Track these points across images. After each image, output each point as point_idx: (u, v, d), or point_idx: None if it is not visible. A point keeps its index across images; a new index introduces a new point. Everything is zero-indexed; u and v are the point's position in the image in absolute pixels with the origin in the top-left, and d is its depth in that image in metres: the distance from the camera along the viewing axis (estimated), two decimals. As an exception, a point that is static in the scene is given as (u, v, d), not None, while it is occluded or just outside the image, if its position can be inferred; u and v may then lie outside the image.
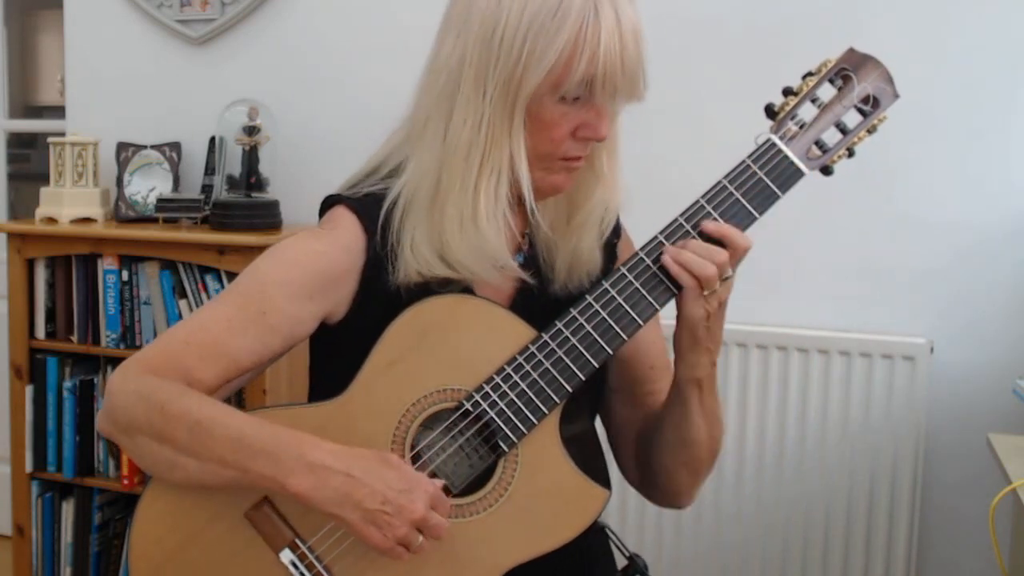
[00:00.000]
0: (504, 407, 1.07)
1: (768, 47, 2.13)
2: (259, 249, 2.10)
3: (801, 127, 1.12)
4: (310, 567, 1.05)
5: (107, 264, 2.38)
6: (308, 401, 1.16)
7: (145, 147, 2.57)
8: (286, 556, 1.05)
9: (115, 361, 2.38)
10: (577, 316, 1.08)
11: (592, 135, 1.09)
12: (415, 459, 1.08)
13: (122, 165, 2.56)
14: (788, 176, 1.10)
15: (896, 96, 1.13)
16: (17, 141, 3.39)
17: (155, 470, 1.06)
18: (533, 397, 1.07)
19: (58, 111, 2.95)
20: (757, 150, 1.11)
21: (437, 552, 1.03)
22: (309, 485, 0.99)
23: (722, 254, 1.07)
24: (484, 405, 1.07)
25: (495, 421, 1.07)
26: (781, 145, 1.11)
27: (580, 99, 1.07)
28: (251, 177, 2.41)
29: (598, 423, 1.30)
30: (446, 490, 1.08)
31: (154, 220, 2.48)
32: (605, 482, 1.13)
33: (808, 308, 2.18)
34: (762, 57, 2.12)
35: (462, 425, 1.08)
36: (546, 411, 1.07)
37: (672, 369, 1.18)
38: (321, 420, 1.08)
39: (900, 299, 2.13)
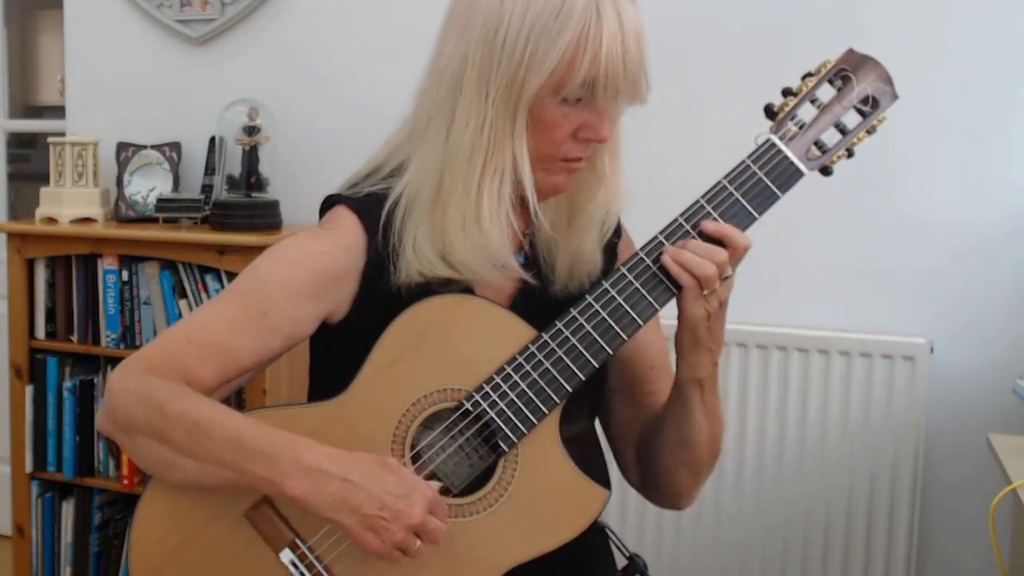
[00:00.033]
0: (504, 407, 1.07)
1: (768, 47, 2.13)
2: (259, 249, 2.10)
3: (801, 127, 1.12)
4: (310, 567, 1.05)
5: (107, 264, 2.38)
6: (308, 401, 1.16)
7: (145, 147, 2.57)
8: (286, 556, 1.05)
9: (115, 361, 2.38)
10: (577, 316, 1.08)
11: (593, 136, 1.09)
12: (415, 459, 1.08)
13: (122, 165, 2.56)
14: (788, 176, 1.11)
15: (895, 97, 1.14)
16: (17, 141, 3.39)
17: (154, 470, 1.06)
18: (533, 397, 1.07)
19: (58, 111, 2.95)
20: (757, 150, 1.11)
21: (437, 552, 1.03)
22: (306, 489, 0.99)
23: (722, 254, 1.07)
24: (484, 405, 1.07)
25: (495, 421, 1.07)
26: (781, 145, 1.11)
27: (582, 100, 1.07)
28: (251, 177, 2.41)
29: (598, 425, 1.30)
30: (446, 490, 1.09)
31: (154, 220, 2.48)
32: (605, 482, 1.13)
33: (808, 308, 2.18)
34: (762, 57, 2.12)
35: (462, 425, 1.08)
36: (546, 411, 1.07)
37: (673, 369, 1.18)
38: (321, 420, 1.08)
39: (900, 299, 2.13)
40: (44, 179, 2.55)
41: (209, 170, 2.54)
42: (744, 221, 1.10)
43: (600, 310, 1.08)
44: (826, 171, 1.13)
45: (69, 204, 2.48)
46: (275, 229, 2.36)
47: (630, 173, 1.20)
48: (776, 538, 2.16)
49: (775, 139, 1.11)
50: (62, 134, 2.65)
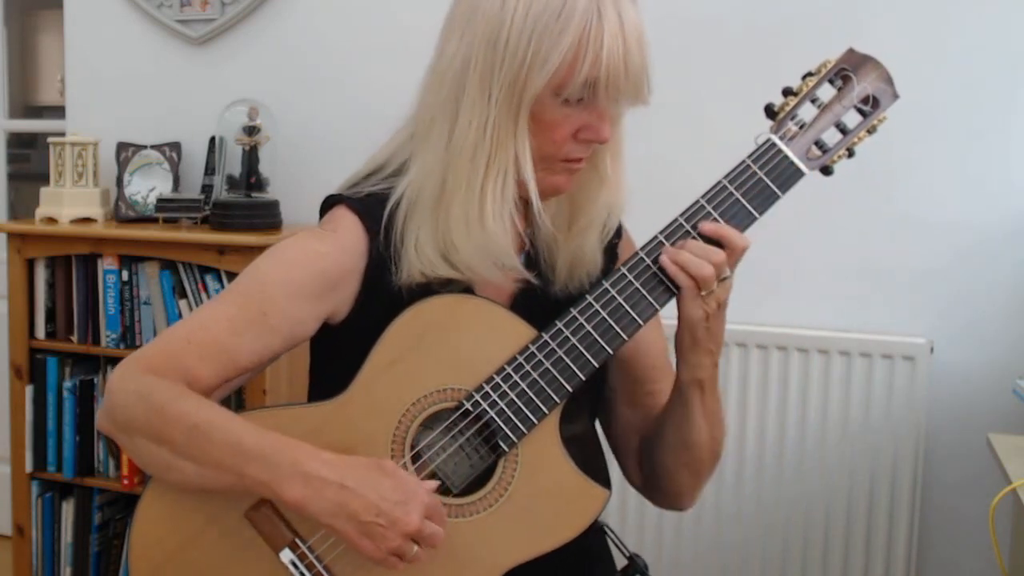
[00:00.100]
0: (504, 407, 1.07)
1: (768, 47, 2.13)
2: (259, 249, 2.10)
3: (801, 127, 1.12)
4: (310, 567, 1.05)
5: (107, 264, 2.38)
6: (308, 401, 1.16)
7: (145, 147, 2.57)
8: (286, 556, 1.05)
9: (115, 361, 2.37)
10: (577, 316, 1.08)
11: (594, 137, 1.09)
12: (415, 459, 1.08)
13: (122, 165, 2.56)
14: (788, 176, 1.11)
15: (896, 96, 1.13)
16: (17, 141, 3.39)
17: (153, 470, 1.06)
18: (533, 397, 1.07)
19: (58, 111, 2.95)
20: (757, 150, 1.11)
21: (437, 552, 1.03)
22: (303, 494, 0.99)
23: (719, 254, 1.07)
24: (484, 405, 1.07)
25: (495, 421, 1.07)
26: (781, 145, 1.11)
27: (583, 101, 1.07)
28: (251, 177, 2.40)
29: (599, 427, 1.30)
30: (446, 490, 1.08)
31: (154, 220, 2.47)
32: (605, 482, 1.13)
33: (808, 308, 2.18)
34: (762, 57, 2.12)
35: (462, 425, 1.08)
36: (546, 411, 1.07)
37: (673, 370, 1.18)
38: (321, 419, 1.08)
39: (900, 299, 2.13)
40: (44, 179, 2.55)
41: (209, 170, 2.54)
42: (744, 221, 1.10)
43: (600, 310, 1.08)
44: (827, 171, 1.13)
45: (69, 204, 2.48)
46: (275, 229, 2.36)
47: (630, 173, 1.20)
48: (776, 538, 2.16)
49: (775, 139, 1.11)
50: (62, 134, 2.65)
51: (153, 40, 2.68)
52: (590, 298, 1.08)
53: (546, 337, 1.08)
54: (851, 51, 1.14)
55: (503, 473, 1.08)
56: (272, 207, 2.39)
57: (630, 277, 1.09)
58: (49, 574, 2.47)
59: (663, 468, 1.22)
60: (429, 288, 1.12)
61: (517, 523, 1.07)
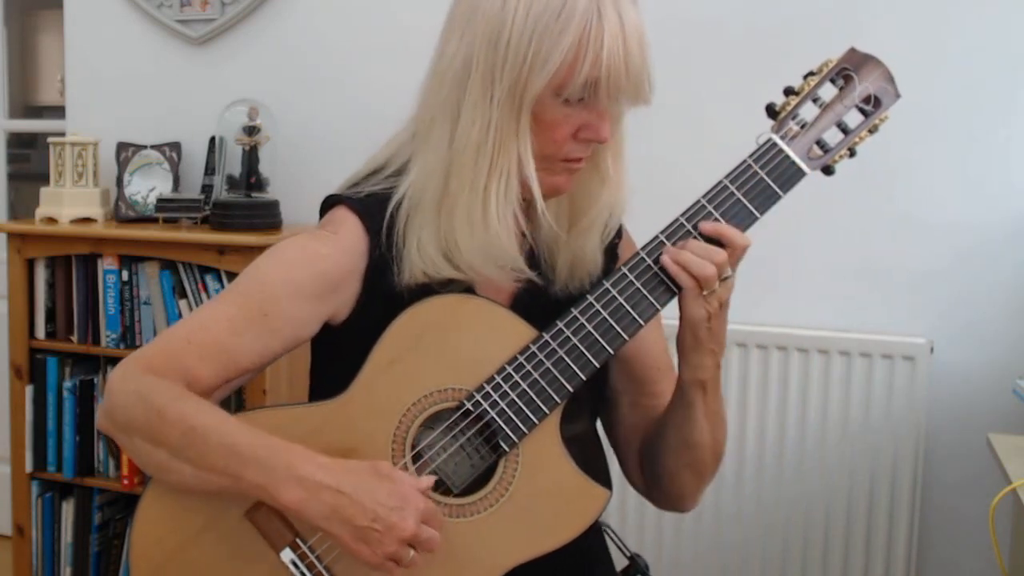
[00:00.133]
0: (505, 407, 1.07)
1: (769, 48, 2.13)
2: (259, 249, 2.10)
3: (802, 127, 1.12)
4: (311, 567, 1.05)
5: (107, 264, 2.38)
6: (308, 401, 1.15)
7: (145, 147, 2.57)
8: (287, 556, 1.05)
9: (115, 361, 2.37)
10: (578, 316, 1.08)
11: (594, 137, 1.09)
12: (416, 459, 1.08)
13: (122, 165, 2.56)
14: (789, 176, 1.10)
15: (898, 96, 1.13)
16: (17, 141, 3.39)
17: (151, 471, 1.06)
18: (534, 397, 1.07)
19: (58, 111, 2.95)
20: (758, 150, 1.11)
21: (438, 552, 1.03)
22: (299, 498, 0.99)
23: (720, 254, 1.07)
24: (485, 405, 1.07)
25: (496, 421, 1.07)
26: (782, 145, 1.11)
27: (583, 100, 1.07)
28: (251, 177, 2.40)
29: (601, 429, 1.30)
30: (447, 491, 1.08)
31: (154, 220, 2.47)
32: (606, 482, 1.13)
33: (808, 308, 2.18)
34: (763, 58, 2.12)
35: (463, 425, 1.08)
36: (547, 411, 1.07)
37: (675, 370, 1.18)
38: (321, 420, 1.08)
39: (900, 299, 2.13)
40: (44, 179, 2.55)
41: (209, 170, 2.54)
42: (745, 221, 1.10)
43: (601, 310, 1.08)
44: (828, 170, 1.13)
45: (69, 204, 2.48)
46: (275, 229, 2.36)
47: (632, 173, 1.20)
48: (776, 538, 2.16)
49: (776, 138, 1.11)
50: (62, 134, 2.65)
51: (153, 40, 2.67)
52: (591, 298, 1.08)
53: (547, 337, 1.08)
54: (853, 50, 1.14)
55: (504, 473, 1.08)
56: (272, 207, 2.39)
57: (631, 277, 1.09)
58: (49, 574, 2.47)
59: (665, 469, 1.22)
60: (430, 288, 1.11)
61: (517, 523, 1.07)
